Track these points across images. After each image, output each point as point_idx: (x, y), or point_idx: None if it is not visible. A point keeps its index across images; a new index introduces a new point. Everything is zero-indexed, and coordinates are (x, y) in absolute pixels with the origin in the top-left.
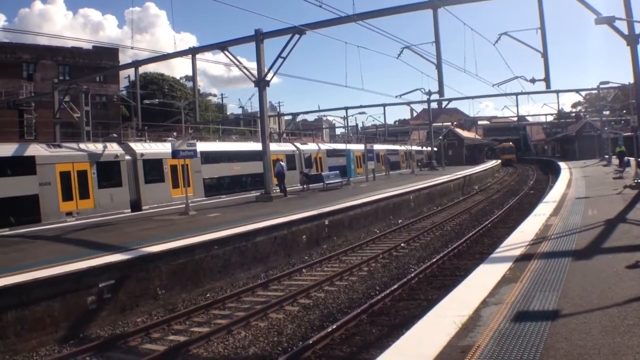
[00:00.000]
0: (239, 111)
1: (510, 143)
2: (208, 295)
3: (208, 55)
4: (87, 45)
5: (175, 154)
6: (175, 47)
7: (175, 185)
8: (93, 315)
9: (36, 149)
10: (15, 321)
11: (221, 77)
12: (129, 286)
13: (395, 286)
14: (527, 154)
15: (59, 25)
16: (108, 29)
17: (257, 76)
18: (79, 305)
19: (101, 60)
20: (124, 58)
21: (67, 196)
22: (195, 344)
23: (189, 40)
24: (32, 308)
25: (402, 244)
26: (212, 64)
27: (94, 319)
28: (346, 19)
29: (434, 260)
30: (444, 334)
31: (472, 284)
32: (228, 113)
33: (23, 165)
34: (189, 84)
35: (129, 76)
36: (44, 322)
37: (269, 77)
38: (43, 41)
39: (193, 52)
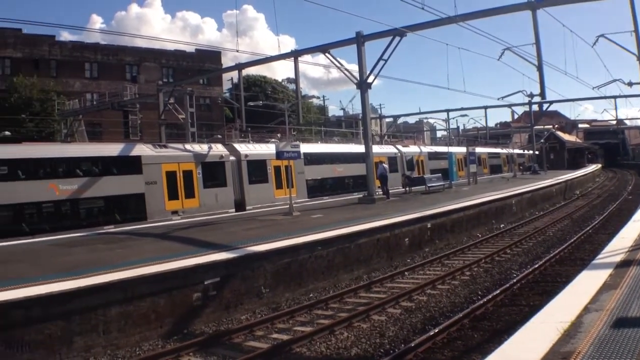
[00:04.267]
0: (340, 113)
1: None
2: (311, 295)
3: (307, 57)
4: (188, 48)
5: (279, 155)
6: (279, 50)
7: (279, 186)
8: (198, 312)
9: (142, 149)
10: (119, 316)
11: (321, 79)
12: (234, 284)
13: (498, 291)
14: (626, 159)
15: (158, 28)
16: (207, 32)
17: (358, 78)
18: (184, 302)
19: (204, 63)
20: (224, 61)
21: (173, 195)
22: (298, 343)
23: (288, 42)
24: (137, 304)
25: (505, 249)
26: (312, 66)
27: (198, 315)
28: (447, 20)
29: (536, 266)
30: (546, 340)
31: (574, 290)
32: (329, 115)
33: (129, 165)
34: (290, 86)
35: (231, 79)
36: (149, 318)
37: (370, 80)
38: (140, 43)
39: (295, 54)
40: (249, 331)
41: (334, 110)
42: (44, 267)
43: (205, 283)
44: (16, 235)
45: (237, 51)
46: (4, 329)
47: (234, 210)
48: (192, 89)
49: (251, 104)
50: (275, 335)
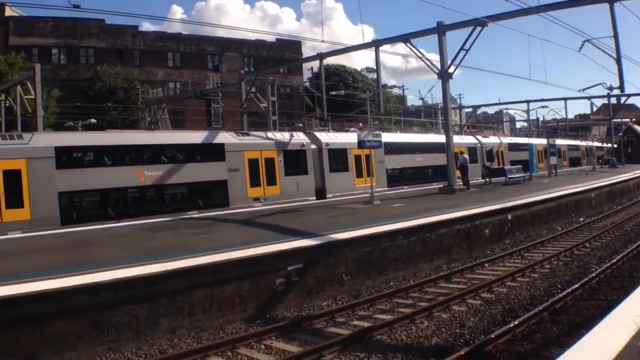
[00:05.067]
0: (419, 102)
1: None
2: (391, 284)
3: (386, 47)
4: (268, 38)
5: (361, 144)
6: (363, 39)
7: (359, 174)
8: (280, 297)
9: (225, 137)
10: (204, 299)
11: (399, 68)
12: (317, 271)
13: (577, 285)
14: None
15: (237, 18)
16: (286, 22)
17: (440, 68)
18: (267, 287)
19: (284, 52)
20: (303, 50)
21: (255, 182)
22: (379, 330)
23: (367, 32)
24: (222, 287)
25: (584, 243)
26: (390, 56)
27: (281, 300)
28: (528, 10)
29: (614, 260)
30: (624, 334)
31: None
32: (408, 104)
33: (213, 152)
34: (370, 76)
35: (311, 68)
36: (233, 302)
37: (451, 70)
38: (220, 33)
39: (376, 44)
40: (330, 317)
41: (412, 100)
42: (131, 251)
43: (289, 269)
44: (103, 220)
45: (322, 41)
46: (92, 310)
47: (314, 198)
48: (273, 78)
49: (333, 93)
50: (356, 322)
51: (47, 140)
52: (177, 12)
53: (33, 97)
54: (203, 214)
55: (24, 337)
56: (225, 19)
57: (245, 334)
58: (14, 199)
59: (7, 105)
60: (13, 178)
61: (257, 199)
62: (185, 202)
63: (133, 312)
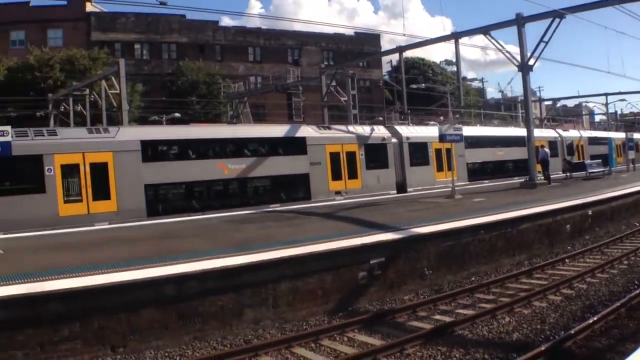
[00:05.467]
0: (498, 95)
1: None
2: (473, 279)
3: (464, 39)
4: (347, 31)
5: (442, 137)
6: (443, 31)
7: (439, 168)
8: (363, 290)
9: (307, 131)
10: (288, 291)
11: (477, 61)
12: (399, 264)
13: None
14: None
15: (315, 12)
16: (363, 15)
17: (519, 61)
18: (350, 280)
19: (363, 45)
20: (382, 43)
21: (336, 176)
22: (460, 325)
23: (445, 24)
24: (306, 280)
25: None
26: (468, 48)
27: (363, 293)
28: (605, 2)
29: None
30: None
31: None
32: (487, 97)
33: (295, 146)
34: (448, 68)
35: (390, 61)
36: (316, 294)
37: (531, 62)
38: (297, 27)
39: (456, 36)
40: (412, 311)
41: (491, 93)
42: (217, 242)
43: (371, 262)
44: (187, 212)
45: (404, 35)
46: (180, 300)
47: (395, 192)
48: (353, 72)
49: (413, 86)
50: (437, 317)
51: (133, 134)
52: (256, 6)
53: (117, 91)
54: (286, 207)
55: (113, 325)
56: (302, 12)
57: (328, 326)
58: (101, 191)
59: (92, 99)
60: (100, 171)
61: (338, 193)
62: (268, 195)
63: (219, 303)
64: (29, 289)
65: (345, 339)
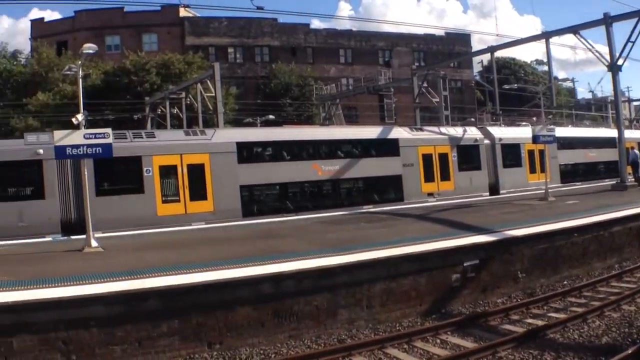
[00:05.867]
0: (589, 95)
1: None
2: (565, 282)
3: (554, 38)
4: (437, 32)
5: (535, 139)
6: (535, 31)
7: (532, 170)
8: (456, 293)
9: (400, 132)
10: (382, 292)
11: (567, 60)
12: (492, 267)
13: None
14: None
15: (404, 12)
16: (453, 15)
17: (609, 60)
18: (443, 282)
19: (453, 46)
20: (471, 43)
21: (429, 177)
22: (552, 329)
23: (534, 23)
24: (400, 281)
25: None
26: (558, 48)
27: (456, 296)
28: None
29: None
30: None
31: None
32: (578, 97)
33: (388, 147)
34: (539, 68)
35: (481, 61)
36: (409, 295)
37: (620, 62)
38: (386, 28)
39: (546, 36)
40: (505, 315)
41: (581, 93)
42: (312, 243)
43: (465, 265)
44: (281, 213)
45: (497, 35)
46: (276, 299)
47: (487, 193)
48: (445, 72)
49: (506, 87)
50: (529, 320)
51: (229, 135)
52: (345, 8)
53: (213, 94)
54: (379, 209)
55: (210, 322)
56: (391, 13)
57: (421, 328)
58: (198, 192)
59: (188, 102)
60: (197, 172)
61: (430, 194)
62: (361, 196)
63: (314, 302)
64: (129, 286)
65: (438, 341)
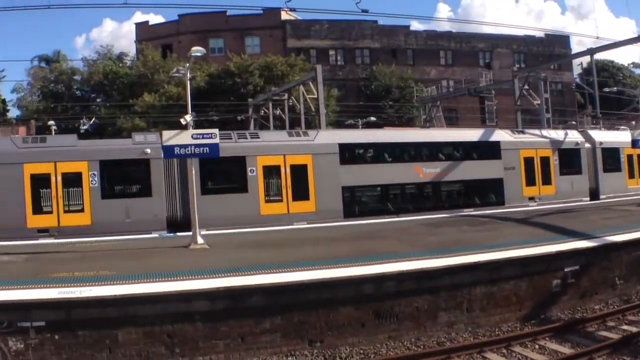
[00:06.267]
0: None
1: None
2: None
3: None
4: (536, 33)
5: (635, 143)
6: (632, 33)
7: (630, 175)
8: (555, 298)
9: (501, 135)
10: (483, 296)
11: None
12: (592, 273)
13: None
14: None
15: (503, 14)
16: (550, 17)
17: None
18: (544, 287)
19: (553, 48)
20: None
21: (530, 181)
22: None
23: (630, 25)
24: (501, 285)
25: None
26: None
27: (555, 301)
28: None
29: None
30: None
31: None
32: None
33: (489, 150)
34: (636, 71)
35: (580, 63)
36: (510, 300)
37: None
38: (486, 29)
39: None
40: (602, 321)
41: None
42: (413, 245)
43: (565, 270)
44: (382, 215)
45: (597, 38)
46: (377, 299)
47: (588, 198)
48: (545, 74)
49: (606, 89)
50: (625, 327)
51: (331, 137)
52: (444, 9)
53: (315, 96)
54: (479, 212)
55: (312, 320)
56: (490, 14)
57: (520, 333)
58: (301, 192)
59: (290, 104)
60: (300, 172)
61: (532, 198)
62: (462, 199)
63: (414, 304)
64: (234, 283)
65: (537, 346)
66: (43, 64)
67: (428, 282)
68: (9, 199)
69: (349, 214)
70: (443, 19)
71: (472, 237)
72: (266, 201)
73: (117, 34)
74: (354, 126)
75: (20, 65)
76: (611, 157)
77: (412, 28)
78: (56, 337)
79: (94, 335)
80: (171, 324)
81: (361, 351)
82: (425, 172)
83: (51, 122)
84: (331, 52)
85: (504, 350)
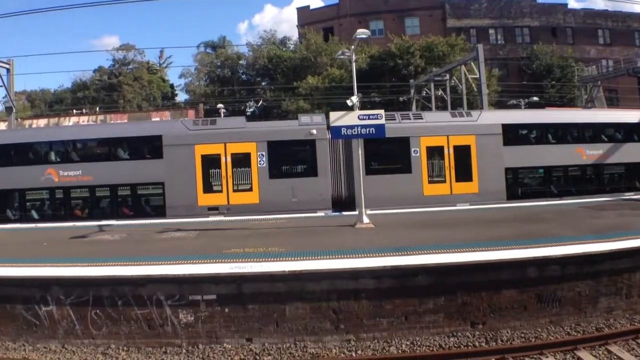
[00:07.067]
0: None
1: None
2: None
3: None
4: None
5: None
6: None
7: None
8: None
9: None
10: None
11: None
12: None
13: None
14: None
15: None
16: None
17: None
18: None
19: None
20: None
21: None
22: None
23: None
24: None
25: None
26: None
27: None
28: None
29: None
30: None
31: None
32: None
33: None
34: None
35: None
36: None
37: None
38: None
39: None
40: None
41: None
42: (576, 228)
43: None
44: (544, 197)
45: None
46: (540, 283)
47: None
48: None
49: None
50: None
51: (494, 117)
52: None
53: (476, 76)
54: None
55: (475, 302)
56: None
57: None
58: (463, 173)
59: (452, 84)
60: (462, 153)
61: None
62: (624, 182)
63: (576, 289)
64: (400, 262)
65: None
66: (209, 50)
67: (591, 266)
68: (182, 179)
69: (511, 196)
70: None
71: (634, 222)
72: (429, 182)
73: (278, 19)
74: (516, 106)
75: (186, 52)
76: None
77: (569, 6)
78: (226, 310)
79: (262, 309)
80: (337, 301)
81: (522, 335)
82: (588, 154)
83: (220, 105)
84: (491, 31)
85: None
